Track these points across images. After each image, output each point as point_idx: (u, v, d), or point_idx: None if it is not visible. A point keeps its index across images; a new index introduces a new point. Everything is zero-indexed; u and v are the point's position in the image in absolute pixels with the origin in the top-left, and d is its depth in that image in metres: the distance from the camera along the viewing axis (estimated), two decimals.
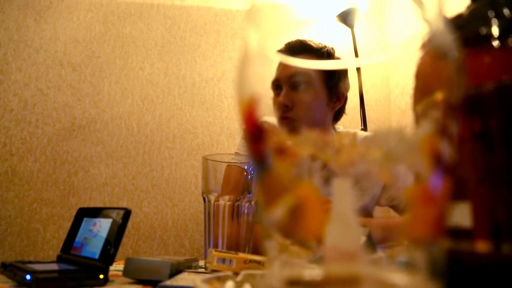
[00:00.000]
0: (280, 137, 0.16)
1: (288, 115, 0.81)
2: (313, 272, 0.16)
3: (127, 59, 1.59)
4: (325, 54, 0.88)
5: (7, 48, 1.51)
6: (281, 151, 0.15)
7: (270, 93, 0.76)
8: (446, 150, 0.15)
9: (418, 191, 0.15)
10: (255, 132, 0.16)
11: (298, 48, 0.88)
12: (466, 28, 0.26)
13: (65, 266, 0.48)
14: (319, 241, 0.16)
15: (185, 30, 1.66)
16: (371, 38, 1.60)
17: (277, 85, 0.83)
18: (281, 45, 0.89)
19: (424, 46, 0.17)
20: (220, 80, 1.64)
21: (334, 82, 0.82)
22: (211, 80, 1.63)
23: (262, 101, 0.16)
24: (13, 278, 0.45)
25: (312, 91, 0.83)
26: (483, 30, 0.25)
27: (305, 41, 0.89)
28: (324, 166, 0.17)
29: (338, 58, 0.96)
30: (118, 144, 1.52)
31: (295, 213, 0.15)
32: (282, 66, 0.84)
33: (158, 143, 1.54)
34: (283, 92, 0.82)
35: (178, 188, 1.52)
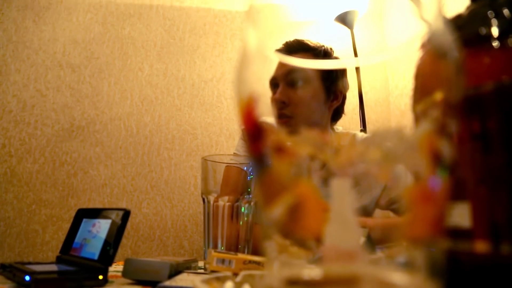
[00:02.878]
0: (279, 136, 0.16)
1: (285, 112, 0.81)
2: (312, 272, 0.16)
3: (126, 60, 1.59)
4: (322, 53, 0.89)
5: (6, 49, 1.51)
6: (280, 149, 0.15)
7: (269, 93, 0.76)
8: (446, 148, 0.15)
9: (418, 190, 0.15)
10: (254, 131, 0.16)
11: (296, 47, 0.88)
12: (465, 28, 0.26)
13: (64, 267, 0.48)
14: (318, 240, 0.16)
15: (184, 31, 1.66)
16: (371, 40, 1.60)
17: (274, 84, 0.83)
18: (280, 45, 0.89)
19: (423, 46, 0.17)
20: (219, 81, 1.64)
21: (332, 80, 0.82)
22: (210, 81, 1.63)
23: (261, 100, 0.16)
24: (12, 279, 0.45)
25: (309, 88, 0.83)
26: (483, 31, 0.25)
27: (302, 40, 0.89)
28: (323, 166, 0.17)
29: (336, 58, 0.96)
30: (117, 145, 1.51)
31: (294, 211, 0.15)
32: (279, 65, 0.84)
33: (157, 144, 1.54)
34: (279, 89, 0.82)
35: (177, 189, 1.52)
